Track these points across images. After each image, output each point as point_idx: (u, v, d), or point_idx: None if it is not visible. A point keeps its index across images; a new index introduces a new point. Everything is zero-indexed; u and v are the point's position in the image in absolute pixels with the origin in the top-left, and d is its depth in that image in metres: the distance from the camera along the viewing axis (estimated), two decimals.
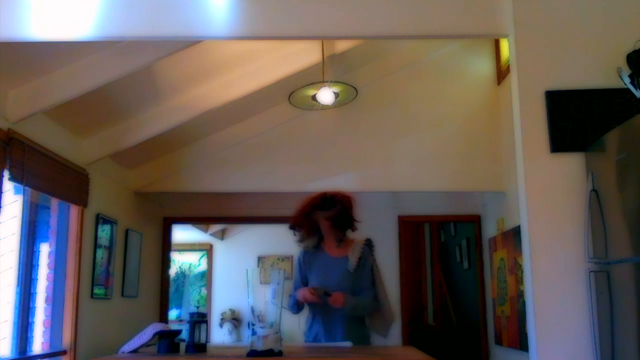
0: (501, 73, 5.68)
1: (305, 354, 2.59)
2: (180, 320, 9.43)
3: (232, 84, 4.69)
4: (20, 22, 3.06)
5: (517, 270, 5.19)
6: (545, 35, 3.12)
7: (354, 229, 3.46)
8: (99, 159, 4.72)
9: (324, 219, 3.37)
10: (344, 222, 3.40)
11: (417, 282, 8.90)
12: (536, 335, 2.86)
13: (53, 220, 4.40)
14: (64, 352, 4.27)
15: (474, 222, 6.67)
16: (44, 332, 4.24)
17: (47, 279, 4.32)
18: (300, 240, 3.49)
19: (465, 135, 5.68)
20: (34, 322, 4.18)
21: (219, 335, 9.00)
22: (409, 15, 3.18)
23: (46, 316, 4.27)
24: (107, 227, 5.01)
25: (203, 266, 9.91)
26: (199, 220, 7.74)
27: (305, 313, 3.45)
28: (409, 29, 3.23)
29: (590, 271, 2.80)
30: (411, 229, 8.38)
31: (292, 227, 3.49)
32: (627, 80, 2.86)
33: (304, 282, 3.44)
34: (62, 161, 4.21)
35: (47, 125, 4.06)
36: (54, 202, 4.39)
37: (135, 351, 2.67)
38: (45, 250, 4.35)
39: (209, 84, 4.65)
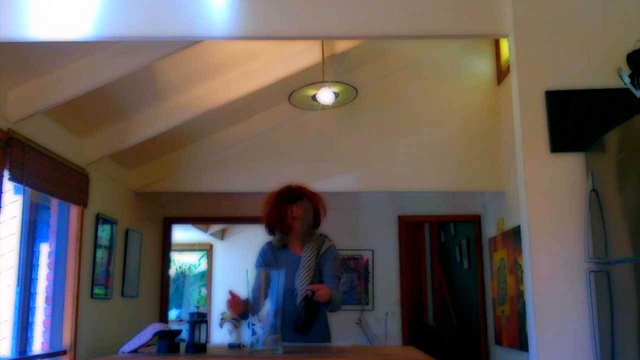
0: (501, 73, 5.68)
1: (305, 354, 2.59)
2: (180, 320, 9.42)
3: (232, 84, 4.68)
4: (20, 22, 3.06)
5: (517, 270, 5.18)
6: (545, 35, 3.12)
7: (318, 222, 3.32)
8: (99, 159, 4.72)
9: (295, 208, 3.22)
10: (313, 214, 3.28)
11: (417, 282, 8.90)
12: (536, 335, 2.87)
13: (53, 220, 4.41)
14: (64, 352, 4.27)
15: (474, 222, 6.67)
16: (44, 332, 4.24)
17: (47, 279, 4.32)
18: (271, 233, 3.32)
19: (465, 135, 5.67)
20: (34, 322, 4.18)
21: (219, 335, 8.97)
22: (409, 15, 3.18)
23: (46, 316, 4.27)
24: (107, 227, 5.01)
25: (203, 266, 9.91)
26: (199, 220, 7.73)
27: None
28: (409, 29, 3.24)
29: (590, 271, 2.81)
30: (411, 229, 8.39)
31: (270, 230, 3.30)
32: (627, 80, 2.86)
33: (266, 279, 2.86)
34: (62, 161, 4.21)
35: (47, 125, 4.06)
36: (54, 202, 4.39)
37: (135, 351, 2.67)
38: (45, 250, 4.35)
39: (209, 84, 4.65)
